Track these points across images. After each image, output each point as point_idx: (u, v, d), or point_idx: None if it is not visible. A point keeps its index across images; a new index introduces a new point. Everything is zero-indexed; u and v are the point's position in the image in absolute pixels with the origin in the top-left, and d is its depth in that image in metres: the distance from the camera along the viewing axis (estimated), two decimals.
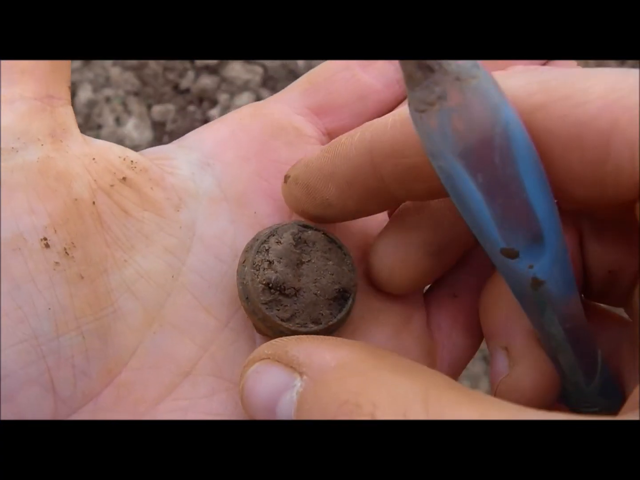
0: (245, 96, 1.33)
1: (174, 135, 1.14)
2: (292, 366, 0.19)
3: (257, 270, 0.22)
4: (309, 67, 1.42)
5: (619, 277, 0.23)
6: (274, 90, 1.38)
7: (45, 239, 0.21)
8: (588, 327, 0.21)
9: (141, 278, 0.22)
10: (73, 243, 0.21)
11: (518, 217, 0.17)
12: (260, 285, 0.22)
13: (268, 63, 1.40)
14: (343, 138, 0.22)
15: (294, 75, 1.44)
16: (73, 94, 1.27)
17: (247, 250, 0.23)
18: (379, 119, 0.21)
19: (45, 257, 0.21)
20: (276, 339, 0.20)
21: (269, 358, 0.19)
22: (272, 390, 0.19)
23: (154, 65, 1.36)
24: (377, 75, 0.28)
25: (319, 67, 0.28)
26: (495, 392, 0.23)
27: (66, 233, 0.21)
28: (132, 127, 1.23)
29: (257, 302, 0.22)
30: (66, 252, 0.21)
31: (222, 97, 1.34)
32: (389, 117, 0.21)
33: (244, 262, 0.23)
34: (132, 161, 0.23)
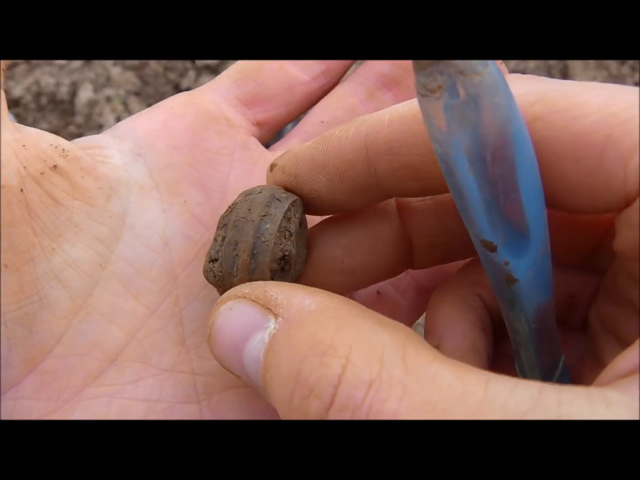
0: None
1: None
2: (268, 307, 0.19)
3: (281, 235, 0.22)
4: None
5: (579, 301, 0.23)
6: None
7: None
8: (556, 332, 0.22)
9: (69, 266, 0.22)
10: None
11: (506, 213, 0.17)
12: (280, 252, 0.21)
13: None
14: (337, 131, 0.22)
15: None
16: (74, 94, 1.28)
17: (268, 205, 0.22)
18: (374, 114, 0.21)
19: None
20: (256, 282, 0.20)
21: (244, 297, 0.19)
22: (243, 329, 0.19)
23: (154, 65, 1.36)
24: (304, 67, 0.29)
25: None
26: None
27: None
28: None
29: (267, 266, 0.21)
30: None
31: None
32: (385, 114, 0.21)
33: (264, 216, 0.22)
34: (63, 149, 0.23)
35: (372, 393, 0.15)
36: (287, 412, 0.17)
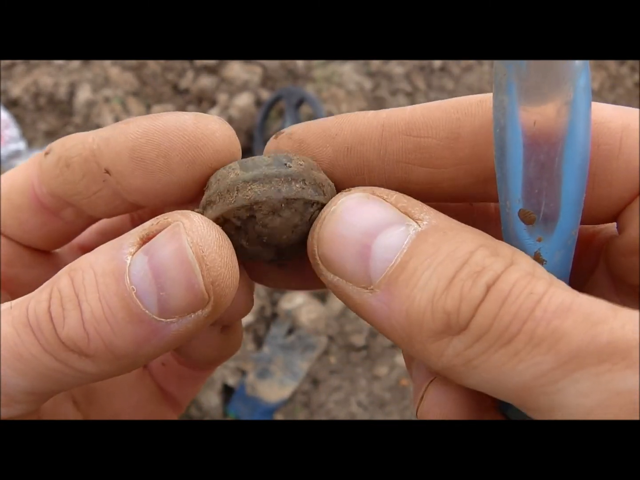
0: (245, 96, 1.33)
1: None
2: (406, 212, 0.18)
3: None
4: (309, 67, 1.42)
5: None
6: (272, 90, 1.38)
7: None
8: None
9: None
10: None
11: (547, 188, 0.18)
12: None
13: (267, 63, 1.41)
14: (354, 113, 0.22)
15: (293, 75, 1.44)
16: (72, 94, 1.27)
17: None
18: (395, 108, 0.22)
19: None
20: (387, 189, 0.20)
21: (381, 197, 0.19)
22: (381, 218, 0.18)
23: (153, 65, 1.36)
24: None
25: None
26: (422, 394, 0.22)
27: None
28: None
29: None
30: None
31: (222, 97, 1.34)
32: (407, 106, 0.21)
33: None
34: None
35: (529, 278, 0.16)
36: (435, 292, 0.17)
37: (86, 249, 0.28)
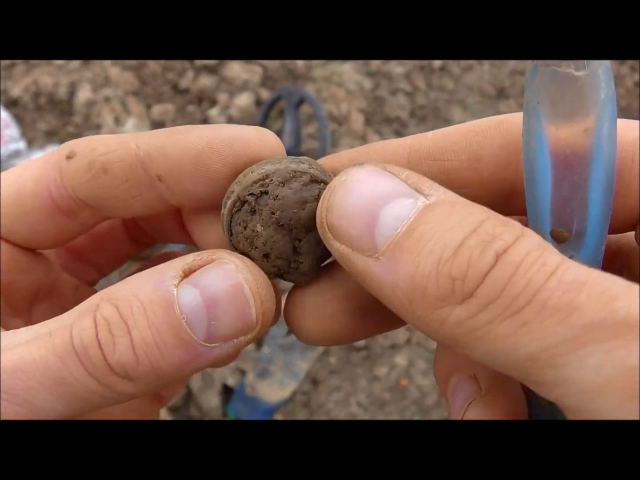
0: (245, 96, 1.33)
1: None
2: (416, 188, 0.18)
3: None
4: (309, 67, 1.42)
5: None
6: (272, 90, 1.38)
7: None
8: None
9: None
10: None
11: (577, 207, 0.19)
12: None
13: (267, 63, 1.41)
14: (379, 142, 0.23)
15: (293, 75, 1.44)
16: (72, 94, 1.27)
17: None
18: (417, 134, 0.22)
19: None
20: (396, 166, 0.20)
21: (392, 173, 0.19)
22: (390, 189, 0.18)
23: (153, 65, 1.36)
24: None
25: None
26: (463, 414, 0.22)
27: None
28: (131, 126, 1.23)
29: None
30: None
31: (222, 97, 1.34)
32: (427, 133, 0.22)
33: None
34: None
35: (541, 250, 0.16)
36: (442, 257, 0.17)
37: (75, 249, 0.28)
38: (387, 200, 0.18)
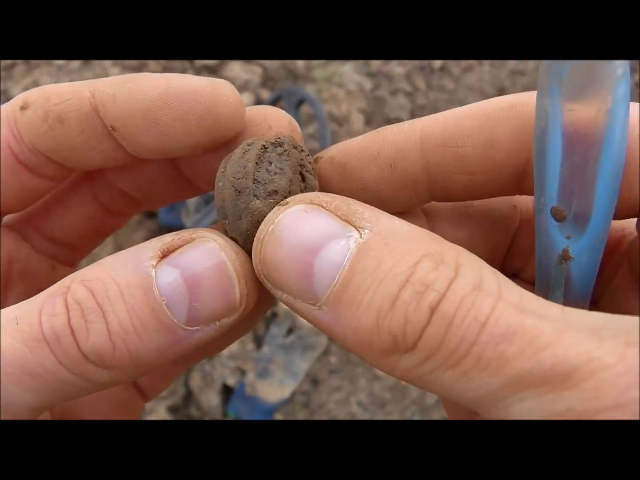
0: (245, 96, 1.33)
1: None
2: (347, 220, 0.18)
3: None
4: (309, 67, 1.42)
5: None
6: (272, 90, 1.38)
7: None
8: None
9: None
10: None
11: (579, 188, 0.19)
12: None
13: (267, 63, 1.40)
14: (389, 128, 0.22)
15: (293, 75, 1.44)
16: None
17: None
18: (426, 116, 0.22)
19: None
20: (334, 194, 0.19)
21: (321, 205, 0.19)
22: (320, 233, 0.18)
23: (153, 65, 1.36)
24: None
25: None
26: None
27: None
28: None
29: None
30: None
31: None
32: (438, 115, 0.22)
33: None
34: None
35: (475, 294, 0.16)
36: (380, 313, 0.17)
37: (41, 228, 0.26)
38: (319, 246, 0.18)
